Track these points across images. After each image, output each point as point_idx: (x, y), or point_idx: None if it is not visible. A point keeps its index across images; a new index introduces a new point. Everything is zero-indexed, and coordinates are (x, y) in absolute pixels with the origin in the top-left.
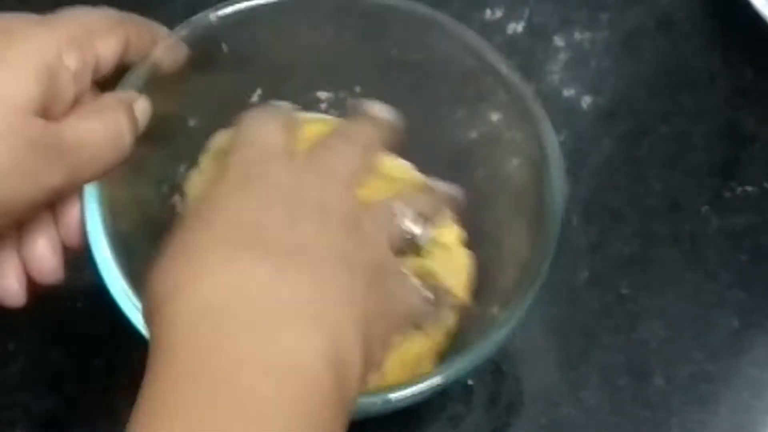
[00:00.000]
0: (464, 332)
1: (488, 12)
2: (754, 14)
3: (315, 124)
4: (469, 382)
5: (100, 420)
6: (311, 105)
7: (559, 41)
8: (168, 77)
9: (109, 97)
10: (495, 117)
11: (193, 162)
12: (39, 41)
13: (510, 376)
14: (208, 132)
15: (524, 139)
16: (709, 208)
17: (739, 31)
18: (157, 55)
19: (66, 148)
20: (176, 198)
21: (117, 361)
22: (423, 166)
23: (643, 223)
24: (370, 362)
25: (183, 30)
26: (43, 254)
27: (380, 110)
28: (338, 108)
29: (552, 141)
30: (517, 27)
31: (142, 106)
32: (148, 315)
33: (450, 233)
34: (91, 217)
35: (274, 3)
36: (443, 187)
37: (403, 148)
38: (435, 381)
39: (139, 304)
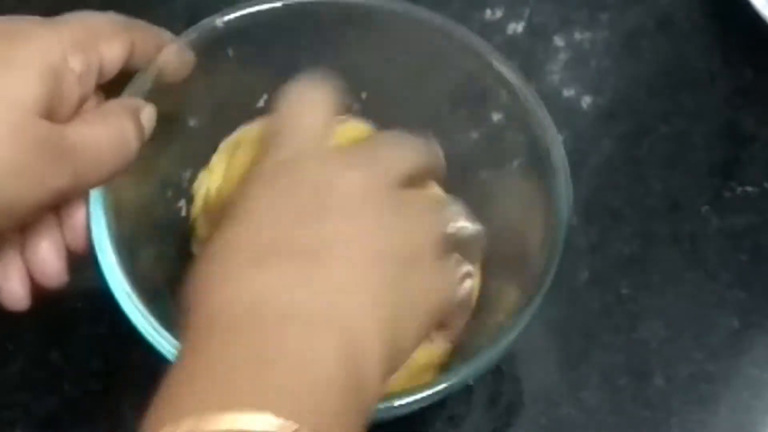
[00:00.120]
0: (468, 338)
1: (488, 12)
2: (754, 14)
3: (349, 129)
4: (469, 382)
5: (100, 420)
6: None
7: (559, 41)
8: (174, 82)
9: (116, 103)
10: (496, 117)
11: (198, 166)
12: (44, 43)
13: (510, 376)
14: (213, 137)
15: (526, 140)
16: (709, 208)
17: (739, 31)
18: (163, 59)
19: (70, 151)
20: (181, 202)
21: (117, 361)
22: None
23: (643, 223)
24: (398, 359)
25: (189, 35)
26: (47, 257)
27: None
28: (344, 113)
29: (557, 144)
30: (517, 27)
31: (149, 114)
32: (184, 317)
33: None
34: (96, 221)
35: (279, 8)
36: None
37: None
38: (439, 388)
39: (141, 307)
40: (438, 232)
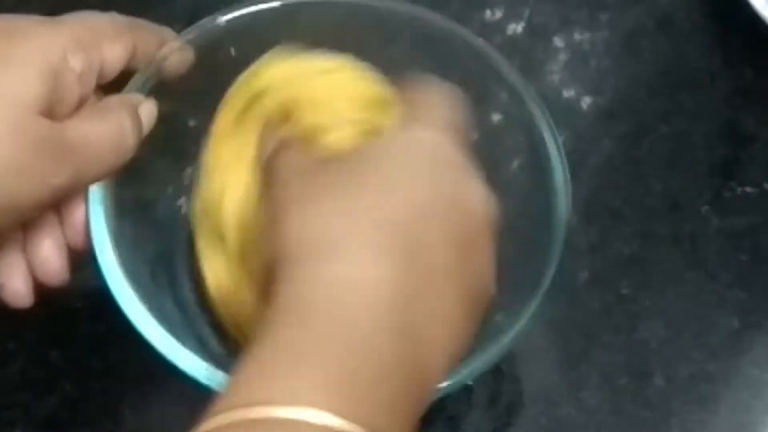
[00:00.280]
0: None
1: (488, 12)
2: (754, 14)
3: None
4: (469, 382)
5: (100, 420)
6: None
7: (559, 41)
8: (175, 80)
9: (114, 99)
10: (496, 118)
11: (198, 165)
12: (44, 41)
13: (510, 376)
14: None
15: (526, 141)
16: (709, 208)
17: (739, 31)
18: (162, 58)
19: (70, 148)
20: (181, 200)
21: (117, 361)
22: None
23: (643, 223)
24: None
25: (190, 34)
26: (49, 256)
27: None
28: None
29: (554, 144)
30: (517, 27)
31: (148, 109)
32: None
33: None
34: (95, 219)
35: (280, 7)
36: None
37: None
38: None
39: (140, 307)
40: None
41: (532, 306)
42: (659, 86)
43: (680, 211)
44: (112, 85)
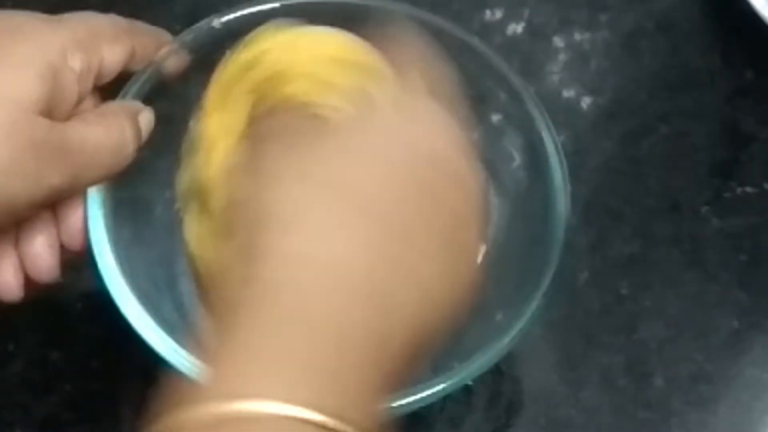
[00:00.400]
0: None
1: (488, 13)
2: (754, 14)
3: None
4: (469, 382)
5: (100, 420)
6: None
7: (558, 42)
8: (172, 83)
9: (115, 105)
10: (495, 118)
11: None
12: (44, 41)
13: (510, 376)
14: None
15: (525, 142)
16: (709, 208)
17: (739, 31)
18: (160, 61)
19: (68, 149)
20: (179, 203)
21: (117, 361)
22: None
23: (643, 223)
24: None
25: (187, 36)
26: (41, 253)
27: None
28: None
29: (553, 145)
30: (516, 28)
31: (147, 117)
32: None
33: None
34: (94, 221)
35: (278, 8)
36: None
37: None
38: (438, 388)
39: (139, 308)
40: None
41: (533, 306)
42: (659, 86)
43: (680, 211)
44: (110, 86)
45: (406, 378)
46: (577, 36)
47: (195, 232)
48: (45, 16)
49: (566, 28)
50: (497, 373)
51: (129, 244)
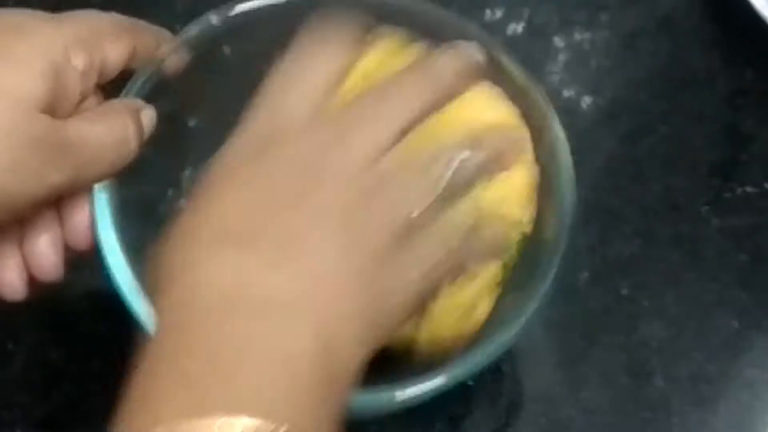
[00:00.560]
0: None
1: (488, 12)
2: (754, 14)
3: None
4: (469, 382)
5: (100, 420)
6: None
7: (559, 42)
8: (173, 81)
9: (117, 103)
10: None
11: (198, 166)
12: (47, 39)
13: (510, 376)
14: (213, 135)
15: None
16: (709, 208)
17: (739, 31)
18: (161, 59)
19: (70, 147)
20: (182, 201)
21: (117, 361)
22: None
23: (643, 223)
24: (377, 338)
25: (186, 33)
26: (44, 251)
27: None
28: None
29: (560, 137)
30: (517, 27)
31: (149, 114)
32: (153, 300)
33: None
34: (102, 220)
35: (276, 4)
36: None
37: None
38: (436, 384)
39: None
40: (421, 202)
41: (534, 303)
42: (659, 86)
43: (680, 211)
44: (111, 85)
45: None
46: (577, 36)
47: None
48: (47, 14)
49: (566, 28)
50: (497, 372)
51: (134, 243)
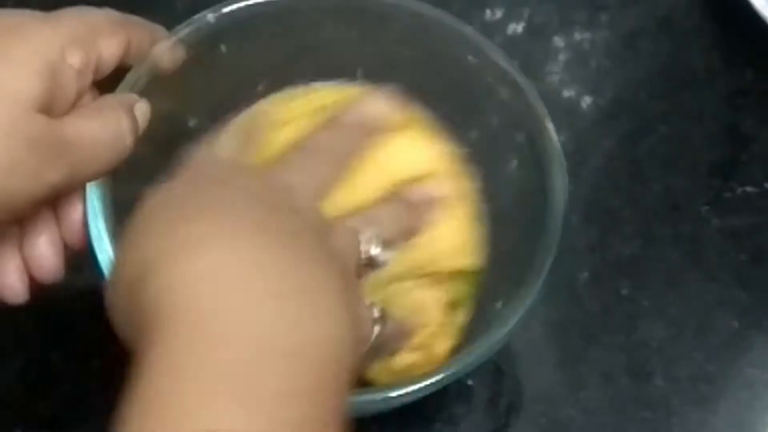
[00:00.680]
0: (466, 333)
1: (488, 12)
2: (754, 14)
3: (329, 94)
4: (469, 382)
5: (100, 420)
6: None
7: (559, 41)
8: (168, 78)
9: (111, 98)
10: (495, 116)
11: None
12: (43, 38)
13: (510, 376)
14: (208, 132)
15: (525, 138)
16: (709, 208)
17: (739, 31)
18: (156, 55)
19: (67, 146)
20: None
21: (117, 361)
22: None
23: (643, 223)
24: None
25: (182, 30)
26: (44, 253)
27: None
28: None
29: (553, 139)
30: (517, 27)
31: (142, 108)
32: (133, 280)
33: (446, 207)
34: (94, 217)
35: (272, 2)
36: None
37: None
38: (438, 377)
39: None
40: (357, 262)
41: (531, 296)
42: (659, 86)
43: (680, 211)
44: (105, 80)
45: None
46: (577, 36)
47: None
48: (43, 14)
49: (566, 28)
50: (497, 373)
51: None
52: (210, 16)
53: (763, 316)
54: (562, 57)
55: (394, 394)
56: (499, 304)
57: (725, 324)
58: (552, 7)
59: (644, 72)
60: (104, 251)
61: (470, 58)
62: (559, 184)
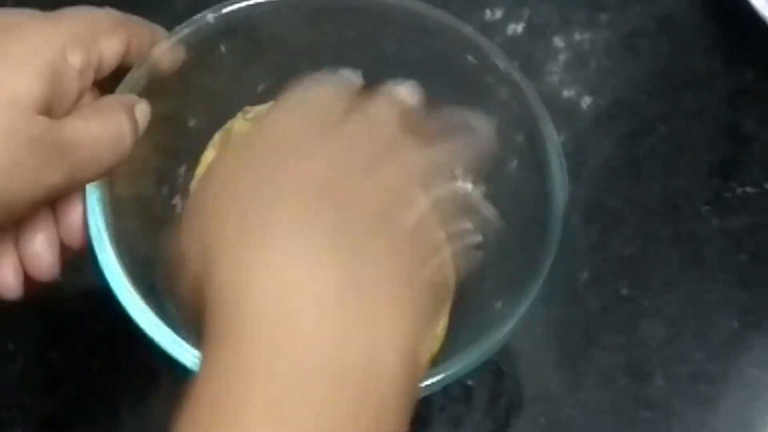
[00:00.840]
0: (465, 332)
1: (488, 12)
2: (754, 14)
3: None
4: (469, 382)
5: (100, 420)
6: None
7: (558, 42)
8: (168, 78)
9: (111, 99)
10: (495, 116)
11: (193, 163)
12: (44, 39)
13: (510, 376)
14: (208, 133)
15: (525, 138)
16: (709, 208)
17: (739, 31)
18: (156, 56)
19: (67, 147)
20: (176, 199)
21: (117, 361)
22: None
23: (643, 223)
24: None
25: (182, 30)
26: (40, 251)
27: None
28: None
29: (553, 139)
30: (517, 27)
31: (143, 109)
32: (198, 268)
33: None
34: (94, 217)
35: (272, 2)
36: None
37: None
38: (438, 377)
39: (141, 304)
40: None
41: (531, 296)
42: (659, 86)
43: (680, 211)
44: (105, 79)
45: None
46: (577, 36)
47: None
48: (43, 14)
49: (566, 28)
50: (497, 373)
51: (128, 239)
52: (210, 16)
53: (763, 316)
54: (562, 57)
55: None
56: (499, 304)
57: (725, 324)
58: (552, 8)
59: (644, 72)
60: (104, 251)
61: (470, 58)
62: (559, 184)
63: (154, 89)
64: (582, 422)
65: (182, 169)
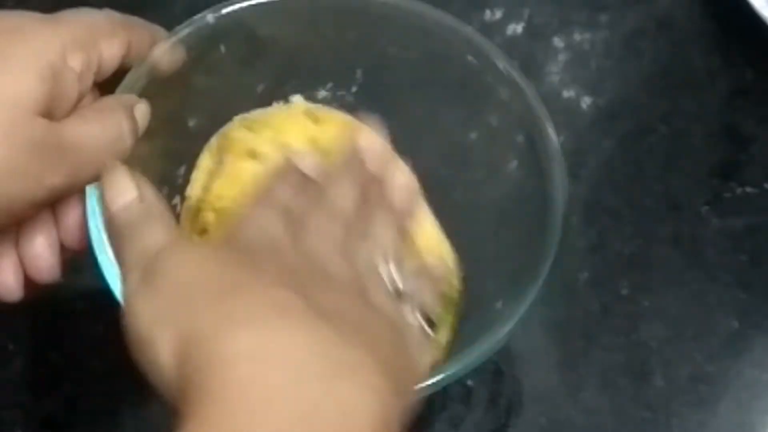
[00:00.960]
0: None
1: (488, 13)
2: (754, 14)
3: (332, 125)
4: (469, 382)
5: (99, 420)
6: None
7: (558, 42)
8: (167, 79)
9: (110, 100)
10: (495, 116)
11: (193, 163)
12: (44, 41)
13: (510, 376)
14: (207, 133)
15: (525, 138)
16: (709, 208)
17: (739, 31)
18: (155, 56)
19: (67, 149)
20: (176, 199)
21: (116, 361)
22: (421, 166)
23: (643, 223)
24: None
25: (181, 31)
26: (41, 253)
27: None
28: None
29: (553, 139)
30: (516, 28)
31: (142, 110)
32: (177, 345)
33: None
34: (94, 218)
35: (272, 3)
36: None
37: (400, 150)
38: (438, 377)
39: None
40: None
41: (531, 296)
42: (659, 86)
43: (680, 211)
44: (105, 81)
45: None
46: (577, 36)
47: None
48: (43, 16)
49: (566, 28)
50: (497, 373)
51: None
52: (210, 16)
53: (763, 316)
54: (561, 57)
55: None
56: (499, 304)
57: (725, 324)
58: (552, 8)
59: (644, 72)
60: (104, 252)
61: (470, 58)
62: (559, 184)
63: (154, 90)
64: (582, 422)
65: (182, 170)
